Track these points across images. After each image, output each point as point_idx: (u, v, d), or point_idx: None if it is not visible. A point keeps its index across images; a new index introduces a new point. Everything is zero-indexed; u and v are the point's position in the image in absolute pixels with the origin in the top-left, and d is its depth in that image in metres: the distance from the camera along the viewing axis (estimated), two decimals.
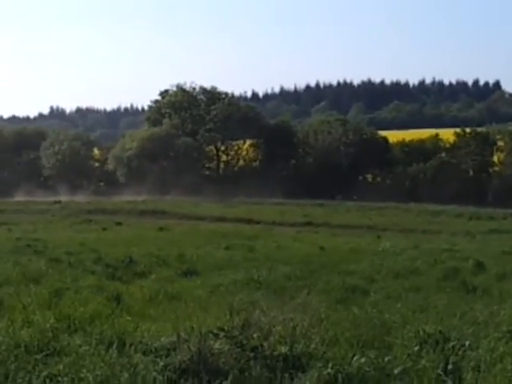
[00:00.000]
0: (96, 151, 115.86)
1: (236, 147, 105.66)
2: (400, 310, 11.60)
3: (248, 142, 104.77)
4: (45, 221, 49.00)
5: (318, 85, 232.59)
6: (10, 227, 39.55)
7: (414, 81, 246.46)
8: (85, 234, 33.68)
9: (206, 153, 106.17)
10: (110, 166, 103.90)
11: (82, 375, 6.71)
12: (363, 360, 7.42)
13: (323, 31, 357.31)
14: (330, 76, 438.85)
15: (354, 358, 7.45)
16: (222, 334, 7.90)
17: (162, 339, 8.06)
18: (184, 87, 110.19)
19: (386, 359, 7.64)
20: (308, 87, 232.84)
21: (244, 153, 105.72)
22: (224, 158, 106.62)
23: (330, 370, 6.93)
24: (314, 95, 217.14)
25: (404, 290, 14.52)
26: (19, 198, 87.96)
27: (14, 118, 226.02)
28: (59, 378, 6.71)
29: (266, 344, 7.65)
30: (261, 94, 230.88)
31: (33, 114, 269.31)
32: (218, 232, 35.70)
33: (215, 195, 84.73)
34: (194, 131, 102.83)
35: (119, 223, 44.58)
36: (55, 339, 8.45)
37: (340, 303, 12.51)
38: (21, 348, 7.85)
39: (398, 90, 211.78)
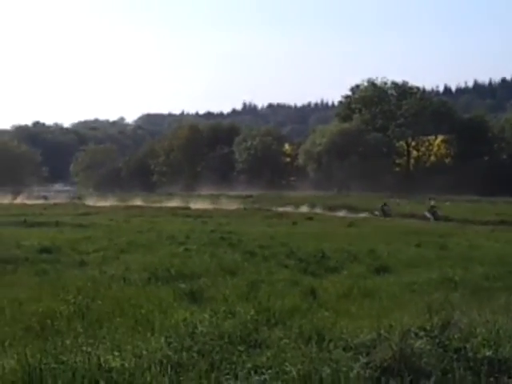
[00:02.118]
0: (287, 146, 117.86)
1: (427, 143, 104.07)
2: None
3: (440, 137, 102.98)
4: (237, 214, 50.29)
5: None
6: (205, 220, 40.83)
7: None
8: (275, 228, 34.22)
9: (396, 148, 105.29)
10: (301, 161, 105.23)
11: (286, 369, 6.77)
12: None
13: None
14: None
15: None
16: (422, 333, 7.78)
17: (362, 336, 8.02)
18: (375, 82, 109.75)
19: None
20: (504, 81, 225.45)
21: (435, 148, 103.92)
22: (415, 153, 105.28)
23: None
24: (511, 89, 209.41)
25: None
26: (210, 191, 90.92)
27: (208, 114, 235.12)
28: (263, 371, 6.79)
29: (468, 346, 7.44)
30: (453, 89, 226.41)
31: (226, 110, 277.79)
32: (408, 229, 35.22)
33: (404, 191, 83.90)
34: (385, 126, 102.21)
35: (310, 218, 44.94)
36: (256, 331, 8.60)
37: None
38: (224, 339, 8.04)
39: None
